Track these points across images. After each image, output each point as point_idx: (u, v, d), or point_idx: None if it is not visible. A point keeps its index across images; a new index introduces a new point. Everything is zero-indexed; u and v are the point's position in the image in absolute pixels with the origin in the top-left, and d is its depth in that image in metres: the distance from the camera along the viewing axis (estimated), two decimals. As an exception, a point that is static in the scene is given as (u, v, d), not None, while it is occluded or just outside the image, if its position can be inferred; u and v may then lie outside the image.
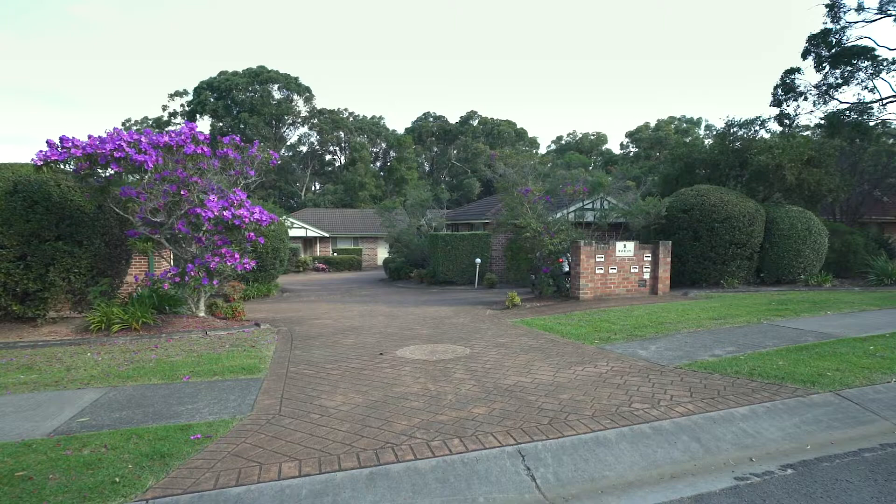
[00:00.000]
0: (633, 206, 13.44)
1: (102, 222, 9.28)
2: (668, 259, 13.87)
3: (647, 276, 13.79)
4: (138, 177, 8.46)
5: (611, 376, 5.80)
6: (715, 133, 17.15)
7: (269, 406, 4.99)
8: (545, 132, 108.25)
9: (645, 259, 13.72)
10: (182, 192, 8.42)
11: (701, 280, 15.02)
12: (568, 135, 69.31)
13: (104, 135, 8.26)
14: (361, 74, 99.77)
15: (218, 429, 4.35)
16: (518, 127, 64.32)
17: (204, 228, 9.47)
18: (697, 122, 61.62)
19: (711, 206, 14.54)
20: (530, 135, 65.33)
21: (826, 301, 11.11)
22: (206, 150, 8.52)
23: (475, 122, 63.82)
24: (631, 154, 60.80)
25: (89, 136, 8.41)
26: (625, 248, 13.44)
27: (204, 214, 8.30)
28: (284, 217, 24.14)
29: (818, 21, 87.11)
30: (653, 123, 61.73)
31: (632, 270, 13.55)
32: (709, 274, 14.84)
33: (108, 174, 8.33)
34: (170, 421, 4.54)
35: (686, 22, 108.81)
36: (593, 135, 68.00)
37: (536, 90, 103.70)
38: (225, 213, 8.34)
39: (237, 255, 9.21)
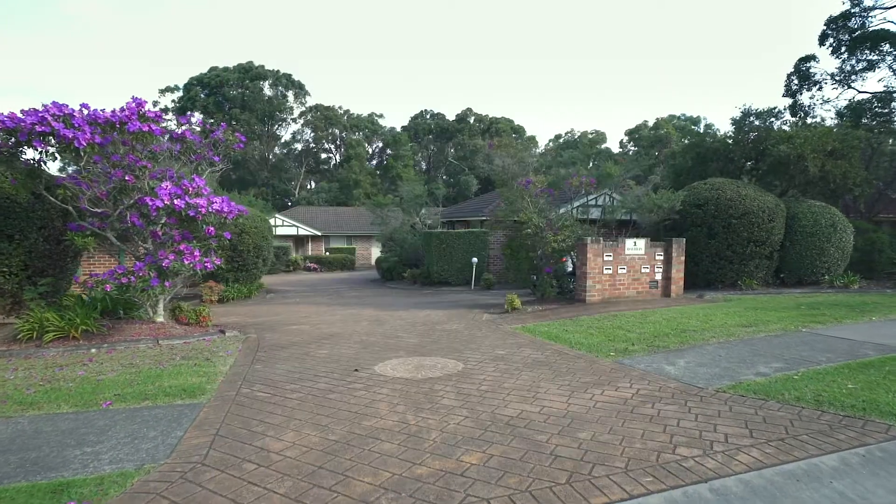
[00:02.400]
0: (645, 200, 12.23)
1: (40, 213, 8.05)
2: (682, 258, 12.71)
3: (658, 276, 12.62)
4: (77, 159, 7.20)
5: (639, 403, 4.60)
6: (732, 122, 15.93)
7: (195, 448, 3.77)
8: (543, 130, 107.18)
9: (657, 258, 12.55)
10: (127, 178, 7.17)
11: (716, 281, 13.85)
12: (566, 133, 68.17)
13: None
14: (358, 72, 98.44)
15: (109, 489, 3.14)
16: (515, 124, 63.15)
17: (162, 222, 8.27)
18: (697, 121, 60.63)
19: (728, 200, 13.38)
20: (528, 133, 64.14)
21: (863, 304, 9.95)
22: (155, 128, 7.28)
23: (472, 120, 62.59)
24: (630, 153, 59.76)
25: (22, 111, 7.18)
26: (635, 247, 12.26)
27: (152, 204, 7.06)
28: (249, 204, 22.52)
29: (820, 18, 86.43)
30: (652, 122, 60.69)
31: (642, 270, 12.38)
32: (725, 274, 13.67)
33: (38, 157, 7.08)
34: (49, 475, 3.33)
35: (685, 21, 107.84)
36: (592, 133, 66.90)
37: (534, 88, 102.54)
38: (177, 202, 7.09)
39: (197, 253, 7.97)
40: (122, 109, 7.14)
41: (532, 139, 63.42)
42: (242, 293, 15.65)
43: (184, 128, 7.85)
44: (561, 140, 66.56)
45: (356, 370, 6.13)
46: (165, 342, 7.74)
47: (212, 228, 7.81)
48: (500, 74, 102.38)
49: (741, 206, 13.24)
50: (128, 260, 12.25)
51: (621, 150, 62.56)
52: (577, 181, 12.26)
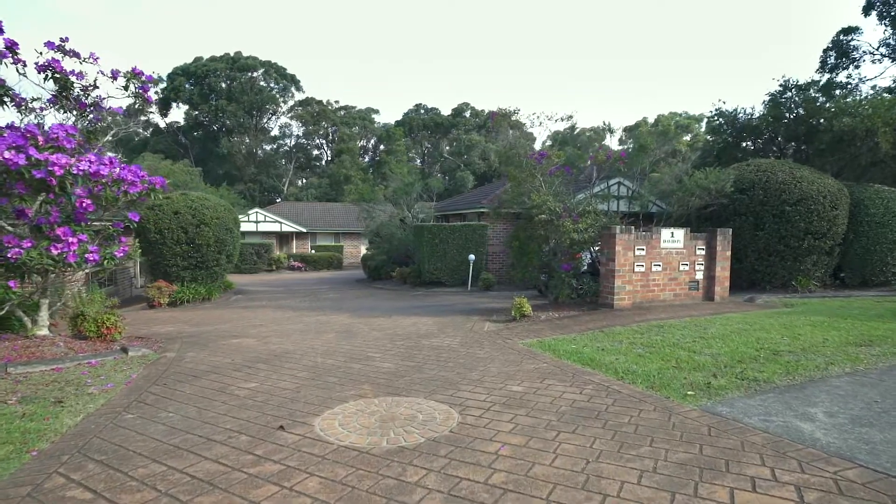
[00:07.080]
0: (687, 181, 9.83)
1: None
2: (728, 253, 10.33)
3: (699, 275, 10.22)
4: None
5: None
6: (768, 96, 13.56)
7: None
8: (541, 127, 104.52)
9: (697, 252, 10.15)
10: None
11: (763, 281, 11.50)
12: (565, 129, 65.84)
13: None
14: (355, 71, 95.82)
15: None
16: (512, 119, 60.74)
17: (42, 199, 5.80)
18: (699, 119, 58.54)
19: (780, 184, 11.02)
20: (527, 129, 61.73)
21: None
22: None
23: (468, 114, 60.10)
24: (630, 151, 57.63)
25: None
26: (672, 238, 9.86)
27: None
28: (221, 196, 20.08)
29: (821, 21, 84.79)
30: (652, 120, 58.51)
31: (681, 268, 9.97)
32: (775, 273, 11.32)
33: None
34: None
35: (686, 21, 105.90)
36: (589, 131, 64.66)
37: (532, 88, 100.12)
38: (7, 156, 4.58)
39: (76, 241, 5.49)
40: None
41: (530, 135, 60.95)
42: (200, 294, 13.16)
43: (52, 55, 5.38)
44: (559, 136, 64.28)
45: (281, 428, 3.68)
46: (19, 369, 5.26)
47: (88, 202, 5.32)
48: (498, 74, 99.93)
49: (797, 190, 10.89)
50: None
51: (620, 147, 60.45)
52: (604, 155, 9.84)
